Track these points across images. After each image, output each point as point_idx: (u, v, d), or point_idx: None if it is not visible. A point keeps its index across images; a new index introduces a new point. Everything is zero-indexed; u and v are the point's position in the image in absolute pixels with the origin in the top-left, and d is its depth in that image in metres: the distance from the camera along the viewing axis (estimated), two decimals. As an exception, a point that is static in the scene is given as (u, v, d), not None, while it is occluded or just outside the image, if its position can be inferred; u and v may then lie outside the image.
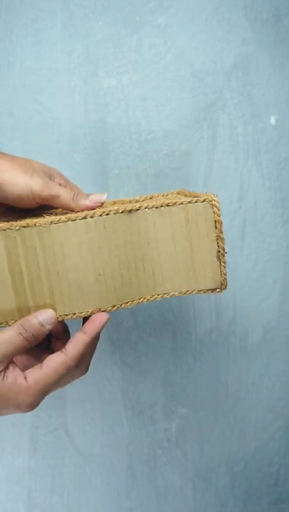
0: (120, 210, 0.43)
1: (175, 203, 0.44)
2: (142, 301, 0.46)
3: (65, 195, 0.47)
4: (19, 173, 0.46)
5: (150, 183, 0.64)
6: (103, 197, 0.47)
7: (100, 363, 0.64)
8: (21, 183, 0.45)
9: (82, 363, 0.44)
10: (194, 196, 0.46)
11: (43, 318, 0.42)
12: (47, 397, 0.43)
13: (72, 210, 0.47)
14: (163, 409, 0.67)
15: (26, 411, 0.42)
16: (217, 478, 0.69)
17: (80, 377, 0.46)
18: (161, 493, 0.69)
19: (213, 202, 0.44)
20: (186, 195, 0.49)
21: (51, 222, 0.42)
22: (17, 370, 0.42)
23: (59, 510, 0.68)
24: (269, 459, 0.69)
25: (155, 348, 0.66)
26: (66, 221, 0.42)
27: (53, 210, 0.50)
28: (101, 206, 0.46)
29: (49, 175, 0.49)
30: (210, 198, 0.44)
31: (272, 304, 0.66)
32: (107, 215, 0.43)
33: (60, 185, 0.49)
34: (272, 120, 0.64)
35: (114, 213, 0.43)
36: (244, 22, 0.63)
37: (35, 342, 0.42)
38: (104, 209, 0.43)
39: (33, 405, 0.42)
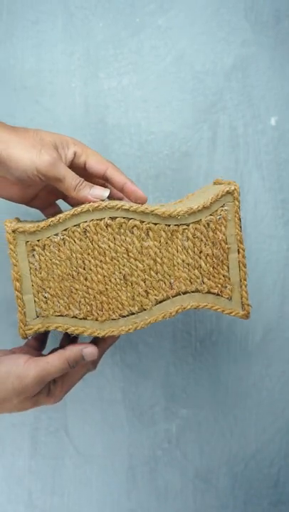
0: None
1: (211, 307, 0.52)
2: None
3: (69, 182, 0.47)
4: (27, 149, 0.46)
5: (150, 184, 0.64)
6: (105, 194, 0.49)
7: (101, 364, 0.64)
8: (27, 159, 0.45)
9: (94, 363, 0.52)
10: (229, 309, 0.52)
11: (85, 353, 0.49)
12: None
13: (71, 197, 0.48)
14: (163, 411, 0.67)
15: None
16: (217, 479, 0.69)
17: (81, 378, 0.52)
18: (162, 494, 0.69)
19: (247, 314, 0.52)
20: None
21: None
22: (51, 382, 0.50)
23: (59, 511, 0.68)
24: (269, 460, 0.69)
25: (155, 349, 0.66)
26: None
27: None
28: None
29: (62, 146, 0.48)
30: (246, 311, 0.52)
31: (272, 305, 0.66)
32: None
33: (75, 154, 0.49)
34: (273, 121, 0.64)
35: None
36: (244, 23, 0.64)
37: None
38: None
39: (59, 401, 0.51)
